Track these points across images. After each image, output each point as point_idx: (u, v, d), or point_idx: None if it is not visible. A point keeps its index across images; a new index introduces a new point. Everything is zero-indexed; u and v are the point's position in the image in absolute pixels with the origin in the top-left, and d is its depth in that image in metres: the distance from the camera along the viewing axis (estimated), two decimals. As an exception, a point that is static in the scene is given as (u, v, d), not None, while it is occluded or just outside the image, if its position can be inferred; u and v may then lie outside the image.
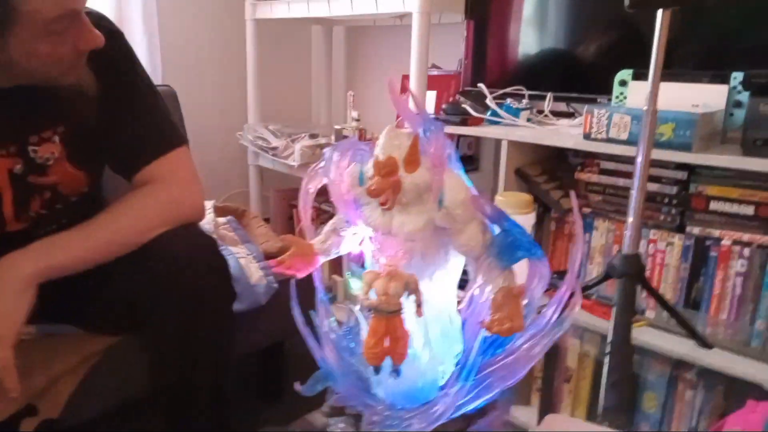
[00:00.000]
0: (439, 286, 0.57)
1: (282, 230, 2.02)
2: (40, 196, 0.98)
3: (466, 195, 0.53)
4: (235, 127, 2.10)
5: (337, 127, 1.87)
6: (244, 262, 1.40)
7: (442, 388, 0.58)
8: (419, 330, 0.56)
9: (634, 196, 0.77)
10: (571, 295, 0.56)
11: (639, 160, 0.74)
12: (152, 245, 0.95)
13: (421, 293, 0.53)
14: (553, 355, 1.02)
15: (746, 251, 1.18)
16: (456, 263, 0.58)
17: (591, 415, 1.15)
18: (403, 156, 0.52)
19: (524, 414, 1.24)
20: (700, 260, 1.25)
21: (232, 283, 1.05)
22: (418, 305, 0.53)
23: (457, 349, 0.60)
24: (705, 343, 0.86)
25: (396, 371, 0.56)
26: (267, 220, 1.95)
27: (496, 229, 0.54)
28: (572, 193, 0.54)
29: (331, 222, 0.63)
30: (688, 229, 1.26)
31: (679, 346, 1.06)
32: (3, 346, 0.80)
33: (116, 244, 0.93)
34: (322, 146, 1.90)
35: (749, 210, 1.18)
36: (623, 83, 1.35)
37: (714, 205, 1.22)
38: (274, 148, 1.93)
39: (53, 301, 0.93)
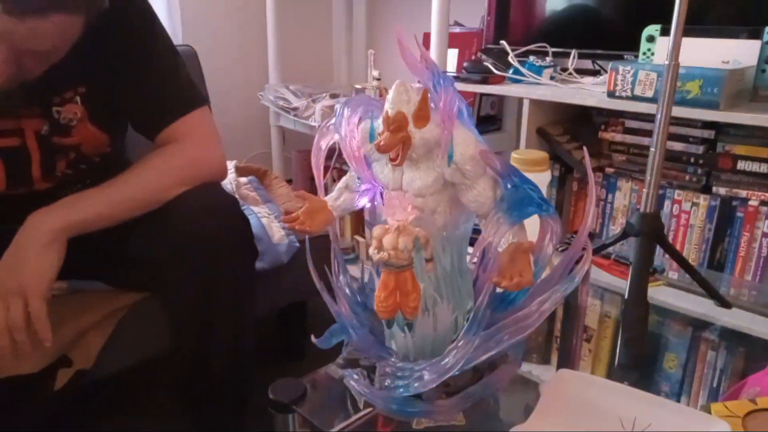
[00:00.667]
0: (451, 242, 0.57)
1: (304, 191, 2.03)
2: (65, 157, 1.00)
3: (475, 150, 0.53)
4: (256, 88, 2.10)
5: (357, 86, 1.86)
6: (266, 221, 1.42)
7: (453, 342, 0.59)
8: (430, 285, 0.57)
9: (654, 152, 0.76)
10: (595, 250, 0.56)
11: (659, 116, 0.72)
12: (173, 204, 0.96)
13: (431, 248, 0.53)
14: (572, 314, 1.02)
15: (773, 212, 1.16)
16: (466, 219, 0.59)
17: (610, 374, 1.15)
18: (412, 111, 0.52)
19: (543, 372, 1.25)
20: (725, 221, 1.23)
21: (254, 241, 1.07)
22: (429, 260, 0.54)
23: (468, 304, 0.61)
24: (724, 303, 0.85)
25: (408, 325, 0.57)
26: (289, 182, 1.96)
27: (509, 186, 0.53)
28: (584, 149, 0.53)
29: (343, 179, 0.63)
30: (714, 189, 1.23)
31: (699, 306, 1.05)
32: (35, 296, 0.84)
33: (138, 200, 0.95)
34: (342, 106, 1.89)
35: (778, 169, 1.15)
36: (651, 39, 1.31)
37: (741, 165, 1.19)
38: (295, 109, 1.93)
39: (82, 258, 0.96)
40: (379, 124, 0.55)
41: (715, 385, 1.27)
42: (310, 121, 1.89)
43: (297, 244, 1.39)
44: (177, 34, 1.85)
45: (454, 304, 0.59)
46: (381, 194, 0.59)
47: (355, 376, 0.62)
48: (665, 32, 1.29)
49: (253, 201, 1.51)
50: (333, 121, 0.60)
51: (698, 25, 1.25)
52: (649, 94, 1.18)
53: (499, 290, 0.63)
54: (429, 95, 0.52)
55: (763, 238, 1.18)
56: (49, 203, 0.90)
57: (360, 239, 2.10)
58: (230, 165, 1.57)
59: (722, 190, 1.22)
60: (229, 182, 1.50)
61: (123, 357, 1.15)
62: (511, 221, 0.52)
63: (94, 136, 1.03)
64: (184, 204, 0.97)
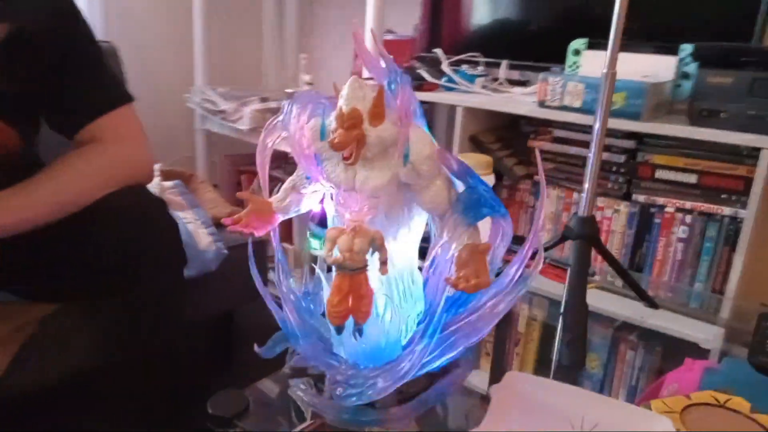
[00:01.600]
0: (402, 244, 0.56)
1: (230, 197, 1.96)
2: (-34, 156, 0.91)
3: (431, 150, 0.52)
4: (182, 89, 2.01)
5: (288, 90, 1.83)
6: (192, 227, 1.36)
7: (405, 347, 0.58)
8: (381, 288, 0.55)
9: (591, 159, 0.78)
10: (534, 254, 0.56)
11: (597, 125, 0.75)
12: (98, 206, 0.90)
13: (386, 250, 0.52)
14: (506, 319, 1.04)
15: (688, 218, 1.23)
16: (418, 221, 0.57)
17: (546, 376, 1.19)
18: (367, 108, 0.50)
19: (474, 378, 1.27)
20: (644, 227, 1.29)
21: (183, 246, 1.01)
22: (383, 262, 0.52)
23: (419, 308, 0.60)
24: (653, 304, 0.89)
25: (359, 330, 0.55)
26: (215, 186, 1.89)
27: (460, 187, 0.53)
28: (537, 151, 0.53)
29: (289, 179, 0.61)
30: (634, 196, 1.30)
31: (623, 309, 1.10)
32: None
33: (58, 204, 0.88)
34: (272, 110, 1.85)
35: (692, 179, 1.22)
36: (577, 52, 1.36)
37: (659, 174, 1.26)
38: (223, 112, 1.86)
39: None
40: (331, 121, 0.53)
41: (633, 383, 1.33)
42: (239, 124, 1.83)
43: (225, 251, 1.34)
44: (97, 29, 1.73)
45: (405, 307, 0.57)
46: (330, 195, 0.57)
47: (302, 386, 0.59)
48: (591, 46, 1.35)
49: (179, 206, 1.43)
50: (280, 118, 0.57)
51: (625, 40, 1.32)
52: (578, 104, 1.23)
53: (449, 293, 0.62)
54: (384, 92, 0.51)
55: (678, 243, 1.25)
56: None
57: (288, 246, 2.05)
58: (155, 167, 1.49)
59: (641, 198, 1.28)
60: (154, 186, 1.42)
61: (32, 376, 1.05)
62: (467, 222, 0.52)
63: (5, 134, 0.94)
64: (108, 207, 0.90)
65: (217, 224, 1.39)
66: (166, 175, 1.54)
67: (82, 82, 0.95)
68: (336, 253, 0.50)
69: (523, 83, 1.60)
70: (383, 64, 0.52)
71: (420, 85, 1.49)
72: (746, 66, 1.08)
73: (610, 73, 0.77)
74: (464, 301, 0.59)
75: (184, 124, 2.07)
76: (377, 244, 0.50)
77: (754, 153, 1.15)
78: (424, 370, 0.54)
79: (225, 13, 2.16)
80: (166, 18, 2.04)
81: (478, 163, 0.77)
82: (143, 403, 1.00)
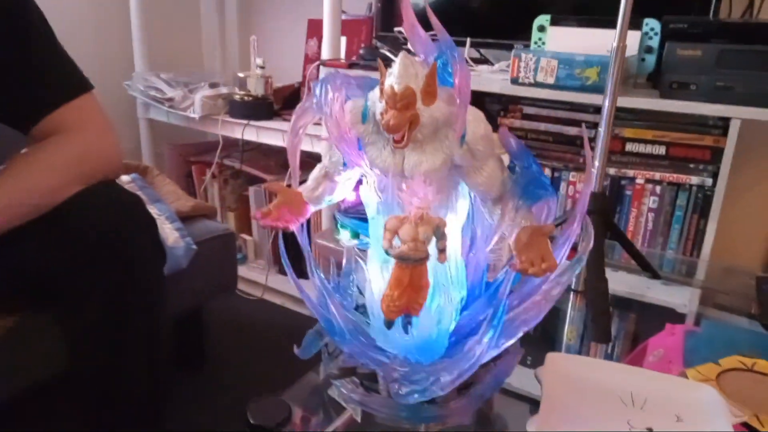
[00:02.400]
0: (449, 230, 0.53)
1: (184, 189, 1.86)
2: None
3: (486, 129, 0.49)
4: (120, 76, 1.88)
5: (240, 75, 1.74)
6: (158, 223, 1.27)
7: (452, 336, 0.56)
8: (438, 277, 0.52)
9: (602, 135, 0.78)
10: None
11: (606, 102, 0.75)
12: (68, 206, 0.81)
13: (446, 237, 0.49)
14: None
15: (658, 189, 1.27)
16: (463, 204, 0.55)
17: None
18: (420, 86, 0.47)
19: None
20: (616, 198, 1.33)
21: (162, 244, 0.94)
22: (442, 250, 0.49)
23: (462, 294, 0.57)
24: (655, 275, 0.91)
25: (409, 323, 0.52)
26: (165, 179, 1.78)
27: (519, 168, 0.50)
28: (586, 137, 0.52)
29: (319, 166, 0.56)
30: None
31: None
32: None
33: (24, 205, 0.79)
34: (223, 96, 1.76)
35: (661, 150, 1.26)
36: (542, 29, 1.37)
37: (629, 147, 1.29)
38: (170, 99, 1.75)
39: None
40: (374, 102, 0.49)
41: (609, 350, 1.36)
42: (189, 112, 1.73)
43: (194, 247, 1.27)
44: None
45: (453, 295, 0.55)
46: (380, 180, 0.53)
47: (348, 386, 0.55)
48: (555, 22, 1.35)
49: (139, 201, 1.34)
50: (314, 100, 0.53)
51: (587, 15, 1.33)
52: (551, 80, 1.24)
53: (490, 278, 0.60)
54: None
55: (649, 213, 1.29)
56: None
57: (247, 238, 1.97)
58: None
59: (612, 170, 1.31)
60: (110, 181, 1.32)
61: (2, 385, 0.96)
62: (526, 205, 0.49)
63: None
64: (82, 204, 0.82)
65: (181, 218, 1.31)
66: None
67: (39, 69, 0.86)
68: (397, 244, 0.46)
69: (484, 61, 1.59)
70: (433, 39, 0.49)
71: (385, 65, 1.44)
72: (713, 39, 1.11)
73: (620, 47, 0.77)
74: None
75: (124, 114, 1.94)
76: (441, 232, 0.47)
77: (720, 123, 1.20)
78: (484, 360, 0.52)
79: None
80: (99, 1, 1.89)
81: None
82: (117, 406, 0.93)
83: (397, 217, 0.47)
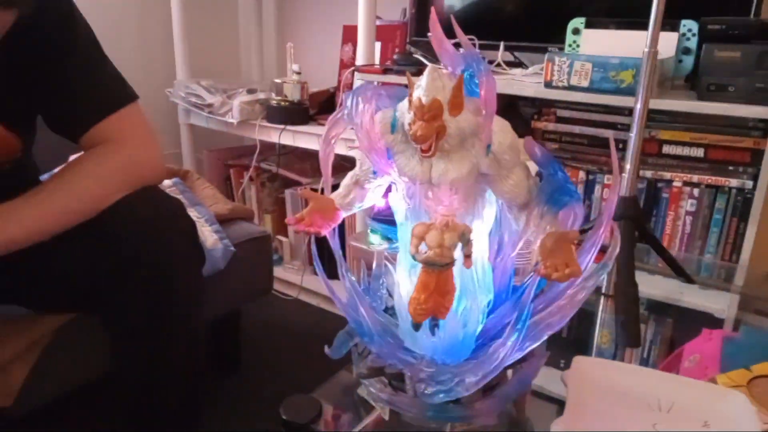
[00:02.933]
0: (475, 235, 0.55)
1: (222, 192, 1.91)
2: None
3: (513, 139, 0.50)
4: (163, 84, 1.95)
5: (277, 81, 1.78)
6: (197, 226, 1.32)
7: (478, 338, 0.57)
8: (458, 281, 0.54)
9: (633, 139, 0.78)
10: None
11: (638, 106, 0.75)
12: (113, 211, 0.86)
13: (472, 243, 0.50)
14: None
15: (696, 191, 1.25)
16: (489, 211, 0.56)
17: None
18: (447, 98, 0.48)
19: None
20: (652, 202, 1.31)
21: (201, 246, 0.98)
22: (468, 256, 0.51)
23: (489, 298, 0.59)
24: (689, 279, 0.91)
25: (436, 325, 0.54)
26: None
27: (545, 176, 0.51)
28: (612, 139, 0.52)
29: (350, 174, 0.59)
30: (641, 172, 1.31)
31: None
32: None
33: (72, 212, 0.83)
34: (261, 102, 1.80)
35: (699, 152, 1.24)
36: (576, 32, 1.36)
37: (666, 149, 1.28)
38: (210, 105, 1.81)
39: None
40: (402, 113, 0.51)
41: (645, 356, 1.35)
42: (228, 117, 1.78)
43: (233, 249, 1.31)
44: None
45: (480, 299, 0.56)
46: (406, 188, 0.55)
47: (377, 385, 0.57)
48: (589, 24, 1.35)
49: (180, 205, 1.39)
50: (345, 111, 0.55)
51: (622, 18, 1.32)
52: (585, 83, 1.23)
53: (517, 282, 0.61)
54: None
55: (687, 216, 1.28)
56: None
57: (283, 239, 2.02)
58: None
59: (649, 173, 1.30)
60: (153, 185, 1.37)
61: (50, 389, 1.02)
62: (552, 212, 0.51)
63: (5, 139, 0.89)
64: (125, 210, 0.86)
65: (219, 221, 1.36)
66: (162, 174, 1.48)
67: (87, 81, 0.91)
68: (424, 249, 0.48)
69: (518, 65, 1.59)
70: (460, 51, 0.50)
71: (420, 69, 1.46)
72: (752, 40, 1.09)
73: (651, 52, 0.77)
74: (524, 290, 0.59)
75: (167, 120, 2.01)
76: (466, 238, 0.49)
77: (760, 125, 1.18)
78: (508, 362, 0.53)
79: (200, 3, 2.09)
80: (142, 12, 1.96)
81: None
82: (159, 406, 0.97)
83: (424, 224, 0.48)
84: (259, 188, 2.01)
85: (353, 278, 0.59)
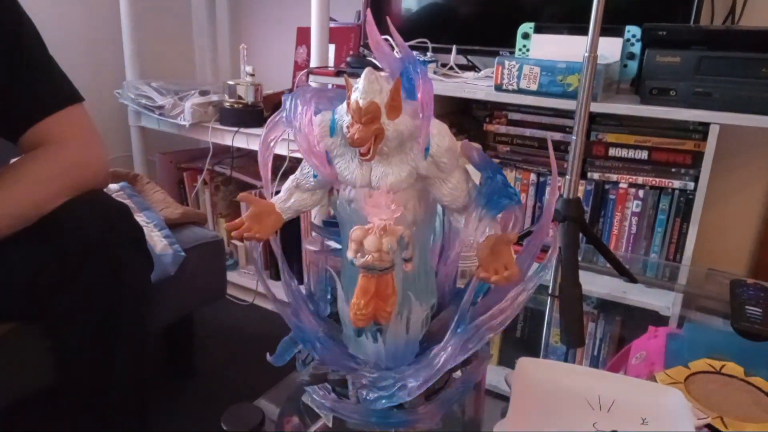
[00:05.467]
0: (419, 238, 0.55)
1: (174, 196, 1.87)
2: None
3: (451, 142, 0.50)
4: (112, 85, 1.89)
5: (230, 82, 1.75)
6: (146, 231, 1.28)
7: (423, 342, 0.57)
8: (399, 285, 0.54)
9: (575, 142, 0.80)
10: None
11: (580, 109, 0.76)
12: (54, 216, 0.83)
13: (412, 247, 0.50)
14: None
15: (641, 193, 1.29)
16: (431, 215, 0.56)
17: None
18: (384, 101, 0.48)
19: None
20: (600, 203, 1.34)
21: (150, 252, 0.95)
22: (408, 260, 0.50)
23: (432, 302, 0.59)
24: (632, 279, 0.93)
25: (379, 330, 0.54)
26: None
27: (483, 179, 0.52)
28: (548, 139, 0.53)
29: (291, 178, 0.58)
30: (589, 174, 1.34)
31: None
32: None
33: (11, 217, 0.80)
34: (214, 104, 1.77)
35: (644, 155, 1.28)
36: (526, 36, 1.38)
37: (612, 152, 1.31)
38: (161, 107, 1.76)
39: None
40: (341, 116, 0.51)
41: (596, 353, 1.37)
42: (179, 120, 1.74)
43: (183, 254, 1.28)
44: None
45: (423, 303, 0.56)
46: (346, 192, 0.54)
47: (320, 392, 0.57)
48: (539, 29, 1.37)
49: (128, 210, 1.35)
50: (283, 114, 0.54)
51: (571, 23, 1.35)
52: (534, 87, 1.25)
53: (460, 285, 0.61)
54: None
55: (633, 217, 1.31)
56: None
57: (238, 243, 1.99)
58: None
59: (596, 175, 1.33)
60: (99, 190, 1.33)
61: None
62: (491, 215, 0.51)
63: None
64: (68, 215, 0.83)
65: (170, 225, 1.33)
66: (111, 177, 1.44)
67: (28, 78, 0.88)
68: (364, 254, 0.48)
69: (471, 68, 1.61)
70: (397, 54, 0.50)
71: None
72: (692, 46, 1.13)
73: (591, 56, 0.78)
74: (477, 293, 0.59)
75: (116, 122, 1.95)
76: (405, 242, 0.49)
77: (699, 128, 1.22)
78: (450, 366, 0.53)
79: (151, 2, 2.04)
80: (89, 11, 1.90)
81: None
82: (104, 418, 0.94)
83: (362, 228, 0.48)
84: (213, 192, 1.97)
85: (295, 283, 0.58)
